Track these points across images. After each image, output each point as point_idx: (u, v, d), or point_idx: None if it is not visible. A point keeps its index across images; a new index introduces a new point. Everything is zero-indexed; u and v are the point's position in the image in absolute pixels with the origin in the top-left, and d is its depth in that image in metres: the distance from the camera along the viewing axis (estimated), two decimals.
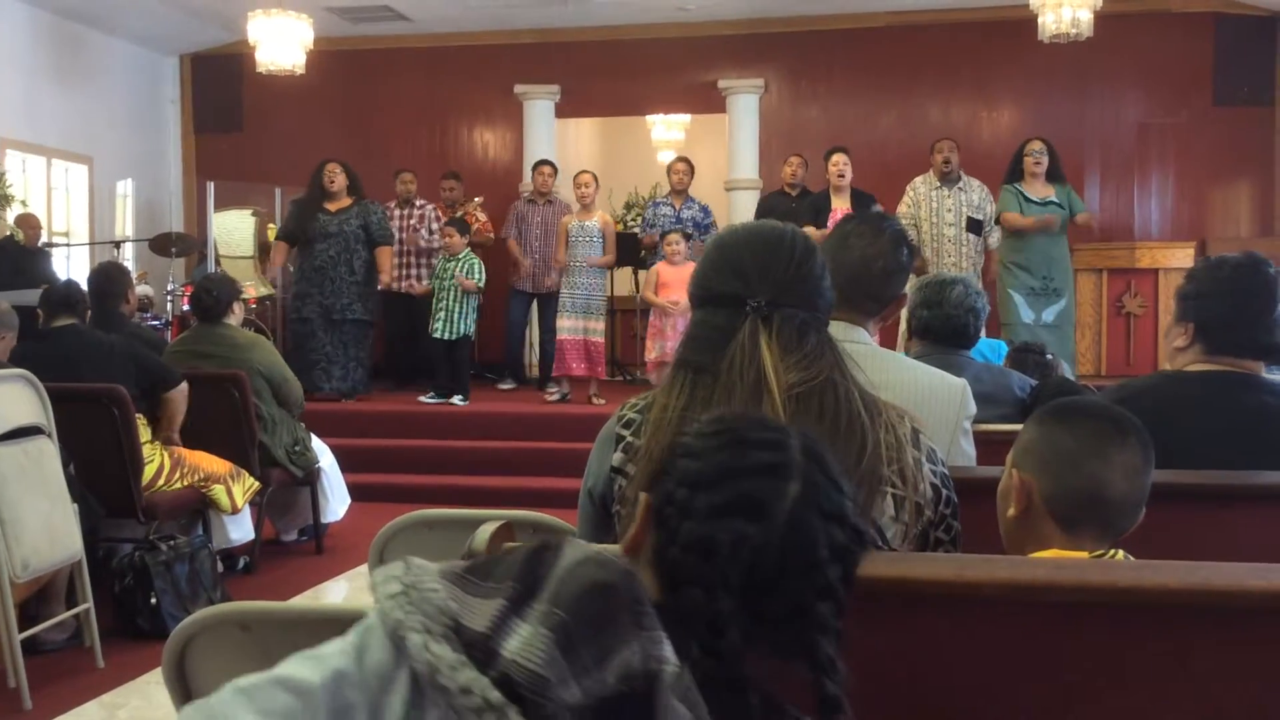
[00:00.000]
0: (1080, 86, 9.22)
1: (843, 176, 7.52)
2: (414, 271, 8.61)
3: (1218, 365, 2.24)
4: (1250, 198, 9.30)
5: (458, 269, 7.60)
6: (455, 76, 10.20)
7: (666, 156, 10.71)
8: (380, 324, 8.74)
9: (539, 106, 10.12)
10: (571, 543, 0.95)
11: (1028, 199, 7.12)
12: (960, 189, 7.45)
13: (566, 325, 7.61)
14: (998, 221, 7.31)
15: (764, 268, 1.50)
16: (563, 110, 10.25)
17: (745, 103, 9.87)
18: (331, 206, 7.78)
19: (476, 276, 7.65)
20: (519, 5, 9.36)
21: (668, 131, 12.41)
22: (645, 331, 7.97)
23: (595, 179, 7.80)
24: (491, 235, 8.96)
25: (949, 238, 7.37)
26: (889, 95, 9.62)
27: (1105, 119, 9.32)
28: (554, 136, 10.20)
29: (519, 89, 10.04)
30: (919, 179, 7.57)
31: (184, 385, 4.61)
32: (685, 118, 12.08)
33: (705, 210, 8.25)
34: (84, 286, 4.86)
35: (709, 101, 10.08)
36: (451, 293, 7.63)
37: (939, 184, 7.47)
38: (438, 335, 7.69)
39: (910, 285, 4.16)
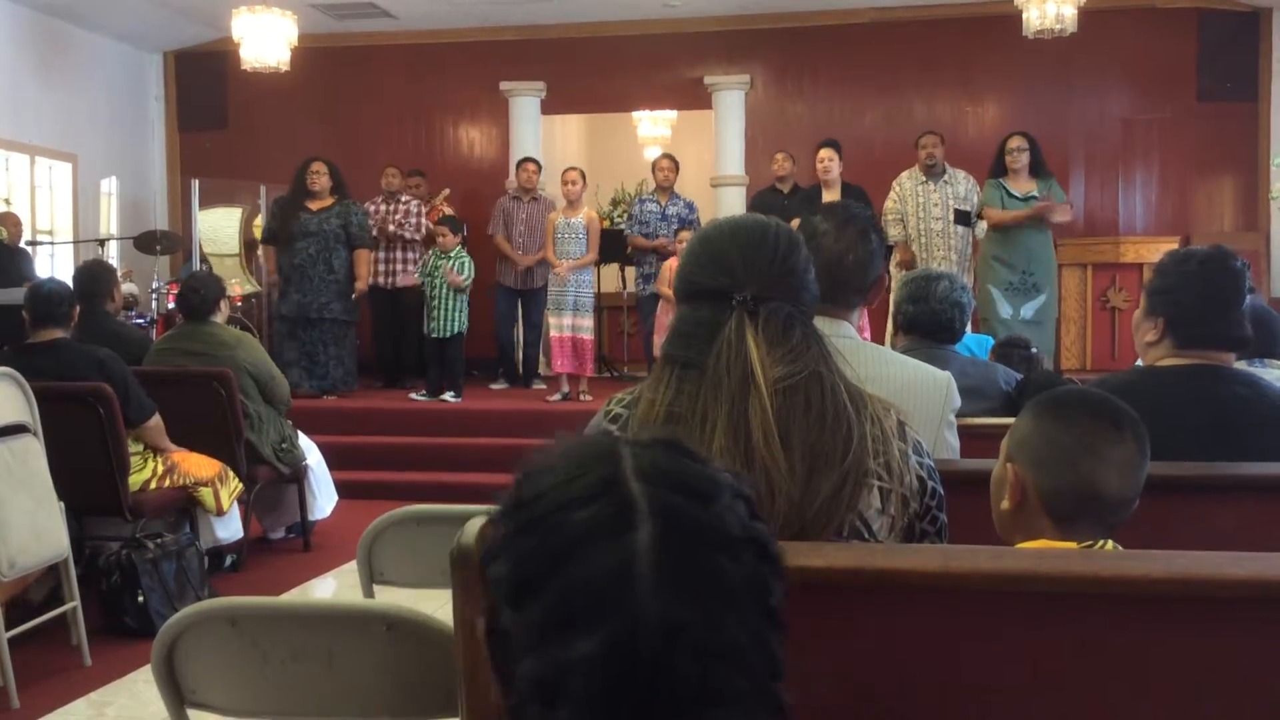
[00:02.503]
0: (1064, 82, 9.25)
1: (828, 171, 7.62)
2: (399, 267, 8.54)
3: (1190, 359, 2.27)
4: (1234, 192, 9.34)
5: (449, 265, 7.60)
6: (440, 73, 10.18)
7: (653, 153, 10.71)
8: (368, 321, 8.72)
9: (525, 103, 10.10)
10: None
11: (1010, 194, 7.14)
12: (946, 182, 7.48)
13: (557, 323, 7.62)
14: (980, 215, 7.33)
15: (749, 261, 1.50)
16: (548, 107, 10.23)
17: (731, 99, 9.87)
18: (313, 205, 7.77)
19: (466, 274, 7.65)
20: (504, 2, 9.34)
21: (654, 128, 12.41)
22: (632, 328, 8.09)
23: (583, 176, 7.84)
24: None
25: (936, 231, 7.40)
26: (874, 91, 9.64)
27: (1089, 114, 9.35)
28: (540, 133, 10.18)
29: (504, 86, 10.03)
30: (904, 174, 7.60)
31: (155, 418, 4.52)
32: (671, 114, 12.10)
33: (690, 206, 8.30)
34: (69, 285, 4.79)
35: (695, 98, 10.08)
36: (443, 290, 7.63)
37: (924, 178, 7.50)
38: (434, 334, 7.70)
39: (896, 281, 4.16)
